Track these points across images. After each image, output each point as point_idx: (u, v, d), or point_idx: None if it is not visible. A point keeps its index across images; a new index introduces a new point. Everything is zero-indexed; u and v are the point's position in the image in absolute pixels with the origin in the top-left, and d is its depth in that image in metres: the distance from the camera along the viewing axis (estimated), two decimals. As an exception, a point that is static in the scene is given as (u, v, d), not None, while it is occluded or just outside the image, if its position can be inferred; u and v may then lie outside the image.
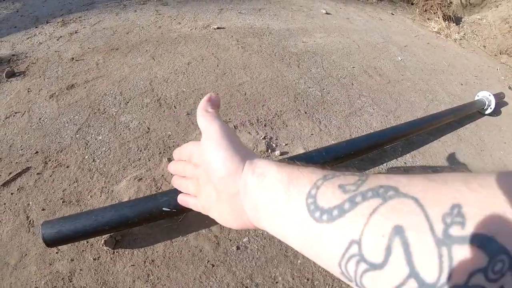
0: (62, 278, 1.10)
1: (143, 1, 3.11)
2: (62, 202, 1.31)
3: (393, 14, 4.08)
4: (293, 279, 1.18)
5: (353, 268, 0.27)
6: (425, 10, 4.57)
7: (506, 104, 3.07)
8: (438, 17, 4.26)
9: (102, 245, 1.18)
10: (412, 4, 4.80)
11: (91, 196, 1.34)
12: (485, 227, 0.22)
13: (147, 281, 1.12)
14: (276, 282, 1.16)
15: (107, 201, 1.32)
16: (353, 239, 0.27)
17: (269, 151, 1.62)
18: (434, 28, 3.97)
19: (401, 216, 0.25)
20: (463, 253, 0.22)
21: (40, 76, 1.99)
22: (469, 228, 0.22)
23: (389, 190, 0.27)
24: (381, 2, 4.52)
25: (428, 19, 4.27)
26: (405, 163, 1.82)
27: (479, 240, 0.21)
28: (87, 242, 1.18)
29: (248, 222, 0.43)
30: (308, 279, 1.19)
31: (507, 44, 4.50)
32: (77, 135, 1.60)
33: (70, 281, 1.10)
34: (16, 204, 1.30)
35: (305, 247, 0.34)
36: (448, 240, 0.23)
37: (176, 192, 1.18)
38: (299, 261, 1.23)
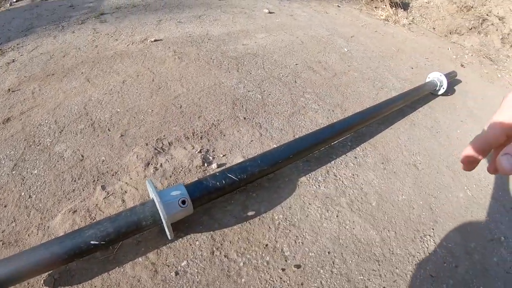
0: None
1: (81, 20, 2.97)
2: (2, 244, 1.23)
3: (339, 7, 4.07)
4: None
5: None
6: (372, 0, 4.59)
7: (459, 82, 3.08)
8: (385, 5, 4.28)
9: (42, 285, 1.11)
10: (359, -6, 4.82)
11: (28, 235, 1.26)
12: None
13: None
14: None
15: (44, 239, 1.25)
16: None
17: (205, 165, 1.52)
18: (382, 15, 3.98)
19: None
20: None
21: None
22: None
23: None
24: (327, -4, 4.51)
25: (375, 7, 4.28)
26: (355, 157, 1.74)
27: None
28: (28, 283, 1.11)
29: None
30: None
31: (456, 24, 4.56)
32: (14, 172, 1.50)
33: None
34: None
35: None
36: None
37: (103, 222, 1.11)
38: (243, 280, 1.15)
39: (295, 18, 3.34)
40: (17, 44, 2.61)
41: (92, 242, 1.06)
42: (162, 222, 1.16)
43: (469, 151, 0.50)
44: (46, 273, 1.13)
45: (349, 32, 3.13)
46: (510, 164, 0.40)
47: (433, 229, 1.56)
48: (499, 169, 0.41)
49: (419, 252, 1.43)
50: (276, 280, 1.17)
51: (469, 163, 0.53)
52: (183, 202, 1.17)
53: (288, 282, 1.17)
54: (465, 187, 1.87)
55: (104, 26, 2.92)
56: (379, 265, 1.32)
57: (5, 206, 1.36)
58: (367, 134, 1.91)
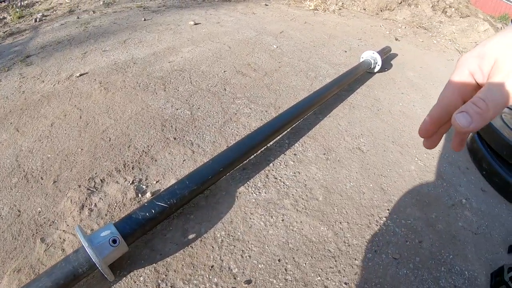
0: None
1: (8, 67, 2.82)
2: None
3: (267, 5, 4.08)
4: None
5: None
6: (300, -8, 4.64)
7: (395, 55, 3.13)
8: (313, -5, 4.33)
9: None
10: (286, -10, 4.87)
11: None
12: None
13: None
14: None
15: None
16: None
17: (139, 195, 1.44)
18: (311, 6, 4.02)
19: None
20: None
21: None
22: None
23: None
24: (254, -3, 4.52)
25: (303, 0, 4.32)
26: (294, 154, 1.71)
27: None
28: None
29: None
30: None
31: (386, 1, 4.68)
32: None
33: None
34: None
35: None
36: None
37: (41, 278, 1.04)
38: None
39: (221, 24, 3.30)
40: None
41: None
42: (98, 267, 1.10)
43: (427, 123, 0.47)
44: None
45: (277, 28, 3.13)
46: (467, 120, 0.38)
47: (388, 209, 1.55)
48: (455, 127, 0.40)
49: (377, 237, 1.41)
50: None
51: (430, 138, 0.49)
52: (114, 241, 1.11)
53: (240, 301, 1.12)
54: (416, 158, 1.87)
55: (30, 69, 2.79)
56: (335, 261, 1.28)
57: None
58: (305, 128, 1.88)
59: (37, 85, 2.52)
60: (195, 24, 3.33)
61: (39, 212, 1.47)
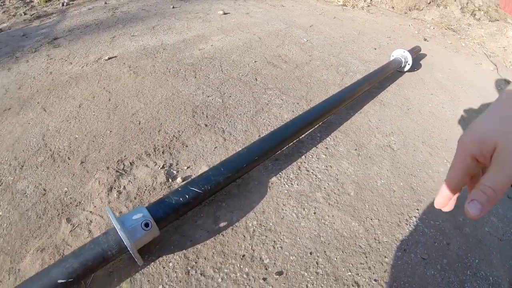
0: None
1: (35, 48, 2.83)
2: None
3: (295, -2, 4.02)
4: None
5: None
6: (328, -13, 4.57)
7: (424, 56, 3.06)
8: (342, -10, 4.26)
9: None
10: (314, -16, 4.79)
11: (0, 281, 1.17)
12: None
13: None
14: None
15: (16, 283, 1.16)
16: None
17: (170, 180, 1.43)
18: (339, 1, 3.95)
19: None
20: None
21: None
22: None
23: None
24: (282, -10, 4.46)
25: (332, -6, 4.25)
26: (326, 148, 1.67)
27: None
28: None
29: None
30: None
31: (414, 0, 4.57)
32: None
33: None
34: None
35: None
36: None
37: (67, 259, 1.02)
38: None
39: (251, 15, 3.26)
40: None
41: (59, 281, 0.99)
42: (128, 250, 1.08)
43: (440, 203, 0.52)
44: None
45: (307, 22, 3.08)
46: (478, 209, 0.41)
47: (417, 209, 1.51)
48: (468, 215, 0.42)
49: (407, 236, 1.37)
50: None
51: (446, 205, 0.53)
52: (146, 224, 1.09)
53: (271, 291, 1.09)
54: (445, 161, 1.82)
55: (57, 51, 2.80)
56: (366, 257, 1.25)
57: None
58: (336, 122, 1.84)
59: (65, 67, 2.52)
60: (224, 13, 3.30)
61: (65, 192, 1.46)
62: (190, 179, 1.42)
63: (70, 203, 1.41)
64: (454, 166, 0.47)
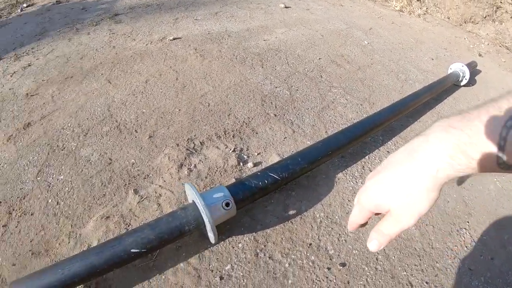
0: None
1: (96, 22, 2.93)
2: (31, 254, 1.18)
3: (353, -1, 3.99)
4: None
5: None
6: (385, -10, 4.50)
7: (479, 72, 3.01)
8: (399, -5, 4.20)
9: None
10: (371, -14, 4.73)
11: (59, 244, 1.21)
12: None
13: None
14: None
15: (76, 247, 1.20)
16: None
17: (241, 164, 1.48)
18: (396, 6, 3.90)
19: None
20: None
21: None
22: None
23: None
24: (339, -11, 4.43)
25: (389, -1, 4.20)
26: (388, 151, 1.70)
27: None
28: None
29: None
30: None
31: (471, 12, 4.46)
32: (38, 178, 1.46)
33: None
34: None
35: None
36: None
37: (143, 229, 1.06)
38: (289, 281, 1.11)
39: (311, 12, 3.28)
40: (32, 49, 2.58)
41: (132, 250, 1.01)
42: (204, 226, 1.12)
43: (350, 227, 0.58)
44: (82, 285, 1.08)
45: (366, 24, 3.07)
46: (377, 246, 0.50)
47: (468, 222, 1.53)
48: (370, 249, 0.52)
49: (457, 245, 1.40)
50: (323, 280, 1.14)
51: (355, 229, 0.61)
52: (227, 204, 1.12)
53: (334, 281, 1.14)
54: (495, 179, 1.82)
55: (119, 27, 2.89)
56: (420, 260, 1.29)
57: (32, 214, 1.33)
58: (397, 128, 1.86)
59: (128, 43, 2.60)
60: (286, 7, 3.32)
61: (133, 164, 1.52)
62: (263, 164, 1.49)
63: (138, 175, 1.47)
64: (354, 214, 0.54)
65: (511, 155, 0.36)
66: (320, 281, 1.13)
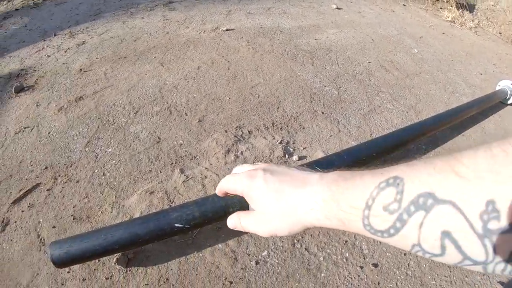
0: None
1: (150, 7, 3.01)
2: (73, 219, 1.24)
3: (405, 5, 3.89)
4: None
5: (421, 254, 0.32)
6: (437, 0, 4.36)
7: (528, 92, 2.88)
8: (451, 6, 4.05)
9: (114, 263, 1.11)
10: (424, -7, 4.59)
11: (101, 212, 1.27)
12: None
13: None
14: None
15: (118, 217, 1.25)
16: (414, 243, 0.32)
17: (287, 156, 1.51)
18: (448, 17, 3.77)
19: (445, 222, 0.29)
20: (504, 239, 0.26)
21: (48, 90, 1.93)
22: (504, 221, 0.26)
23: (428, 199, 0.30)
24: (391, -6, 4.33)
25: (441, 8, 4.06)
26: (430, 161, 1.68)
27: None
28: (99, 260, 1.11)
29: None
30: None
31: (524, 30, 4.25)
32: (87, 149, 1.53)
33: None
34: (27, 222, 1.24)
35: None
36: (488, 233, 0.27)
37: (189, 206, 1.08)
38: (322, 275, 1.12)
39: (363, 15, 3.23)
40: (86, 28, 2.67)
41: (176, 225, 1.02)
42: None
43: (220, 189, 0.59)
44: (120, 252, 1.12)
45: (417, 32, 3.00)
46: (232, 224, 0.54)
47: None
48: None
49: None
50: (354, 278, 1.15)
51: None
52: None
53: (365, 280, 1.15)
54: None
55: (173, 14, 2.95)
56: (450, 272, 1.28)
57: (77, 182, 1.38)
58: (440, 139, 1.83)
59: (182, 30, 2.65)
60: (337, 8, 3.29)
61: (181, 145, 1.56)
62: (307, 159, 1.51)
63: (185, 155, 1.50)
64: (227, 184, 0.55)
65: (378, 217, 0.35)
66: (352, 278, 1.14)
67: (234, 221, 0.54)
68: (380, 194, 0.34)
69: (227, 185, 0.55)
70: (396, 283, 1.17)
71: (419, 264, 1.25)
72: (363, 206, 0.36)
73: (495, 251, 0.27)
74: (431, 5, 4.11)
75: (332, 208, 0.39)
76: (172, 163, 1.46)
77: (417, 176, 0.32)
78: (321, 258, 1.18)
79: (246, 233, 1.22)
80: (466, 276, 1.29)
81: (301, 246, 1.21)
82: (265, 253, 1.17)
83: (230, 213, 1.14)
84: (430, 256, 0.32)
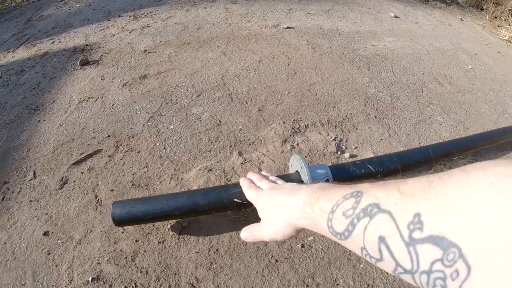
0: (125, 257, 1.09)
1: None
2: (132, 185, 1.31)
3: (462, 20, 3.78)
4: (354, 283, 1.11)
5: (369, 259, 0.37)
6: (495, 17, 4.18)
7: None
8: (509, 25, 3.89)
9: (168, 229, 1.16)
10: (482, 9, 4.41)
11: (160, 182, 1.33)
12: (437, 229, 0.28)
13: (209, 269, 1.08)
14: (337, 284, 1.10)
15: (176, 188, 1.31)
16: (361, 247, 0.37)
17: (339, 152, 1.57)
18: (505, 36, 3.63)
19: (382, 228, 0.34)
20: (424, 249, 0.29)
21: (113, 66, 2.04)
22: (426, 232, 0.29)
23: (374, 208, 0.35)
24: (450, 7, 4.20)
25: (498, 26, 3.90)
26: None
27: (433, 240, 0.28)
28: (153, 225, 1.17)
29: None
30: (368, 285, 1.11)
31: None
32: (149, 123, 1.61)
33: (133, 261, 1.08)
34: (85, 183, 1.31)
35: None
36: (413, 242, 0.30)
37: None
38: (361, 266, 1.16)
39: (420, 26, 3.18)
40: (150, 12, 2.77)
41: (235, 199, 1.05)
42: None
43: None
44: (175, 220, 1.16)
45: (473, 49, 2.93)
46: (245, 237, 0.63)
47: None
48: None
49: None
50: (390, 273, 1.19)
51: None
52: (327, 181, 1.13)
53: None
54: None
55: (235, 7, 3.00)
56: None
57: (138, 152, 1.44)
58: (485, 157, 1.82)
59: (244, 23, 2.71)
60: (395, 17, 3.26)
61: (240, 130, 1.62)
62: (358, 157, 1.57)
63: (244, 140, 1.57)
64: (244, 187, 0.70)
65: (337, 220, 0.40)
66: (387, 273, 1.14)
67: (247, 232, 0.63)
68: (343, 202, 0.40)
69: (249, 197, 0.66)
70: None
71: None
72: (329, 210, 0.42)
73: (418, 260, 0.29)
74: (488, 21, 3.96)
75: (307, 210, 0.47)
76: (231, 146, 1.52)
77: (372, 191, 0.37)
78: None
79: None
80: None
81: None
82: (311, 238, 1.20)
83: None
84: (374, 261, 0.35)
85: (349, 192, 0.41)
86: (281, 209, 0.54)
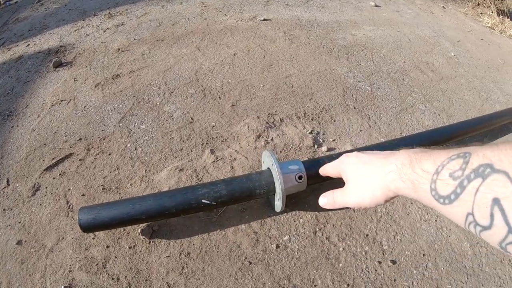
0: (97, 264, 1.05)
1: None
2: (102, 188, 1.26)
3: (444, 8, 3.68)
4: (332, 283, 1.04)
5: (473, 229, 0.35)
6: (478, 4, 4.09)
7: None
8: (492, 12, 3.80)
9: (139, 234, 1.11)
10: (464, -3, 4.32)
11: (131, 184, 1.28)
12: None
13: (181, 274, 1.04)
14: (315, 285, 1.03)
15: (147, 190, 1.26)
16: (468, 212, 0.35)
17: (316, 146, 1.46)
18: (488, 23, 3.54)
19: (497, 189, 0.31)
20: None
21: (86, 66, 1.97)
22: None
23: (487, 168, 0.33)
24: (431, -5, 4.10)
25: (481, 13, 3.81)
26: (457, 166, 1.59)
27: None
28: (124, 230, 1.12)
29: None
30: (348, 285, 1.05)
31: None
32: (121, 124, 1.54)
33: (104, 268, 1.04)
34: (57, 188, 1.27)
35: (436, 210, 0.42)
36: None
37: (217, 183, 1.07)
38: (340, 265, 1.09)
39: (401, 14, 3.07)
40: (125, 10, 2.68)
41: (203, 200, 1.02)
42: (274, 193, 1.10)
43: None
44: (145, 224, 1.13)
45: (455, 36, 2.82)
46: (323, 202, 0.65)
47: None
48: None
49: (505, 275, 1.30)
50: (371, 272, 1.10)
51: None
52: (300, 177, 1.08)
53: (382, 275, 1.10)
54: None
55: (212, 1, 2.92)
56: (467, 278, 1.21)
57: (109, 154, 1.39)
58: (470, 144, 1.72)
59: (220, 17, 2.61)
60: (376, 5, 3.14)
61: (213, 127, 1.54)
62: (336, 151, 1.45)
63: (216, 137, 1.49)
64: (329, 166, 0.76)
65: (443, 181, 0.37)
66: (369, 272, 1.10)
67: (327, 198, 0.62)
68: (450, 163, 0.38)
69: (330, 168, 0.68)
70: (412, 283, 1.12)
71: (437, 267, 1.19)
72: (433, 171, 0.39)
73: None
74: (471, 9, 3.87)
75: (407, 170, 0.44)
76: (203, 143, 1.46)
77: (483, 151, 0.35)
78: (341, 249, 1.15)
79: (269, 216, 1.19)
80: (482, 285, 1.22)
81: (322, 234, 1.18)
82: (286, 237, 1.15)
83: (256, 195, 1.11)
84: (480, 230, 0.33)
85: (455, 153, 0.39)
86: (374, 170, 0.51)
